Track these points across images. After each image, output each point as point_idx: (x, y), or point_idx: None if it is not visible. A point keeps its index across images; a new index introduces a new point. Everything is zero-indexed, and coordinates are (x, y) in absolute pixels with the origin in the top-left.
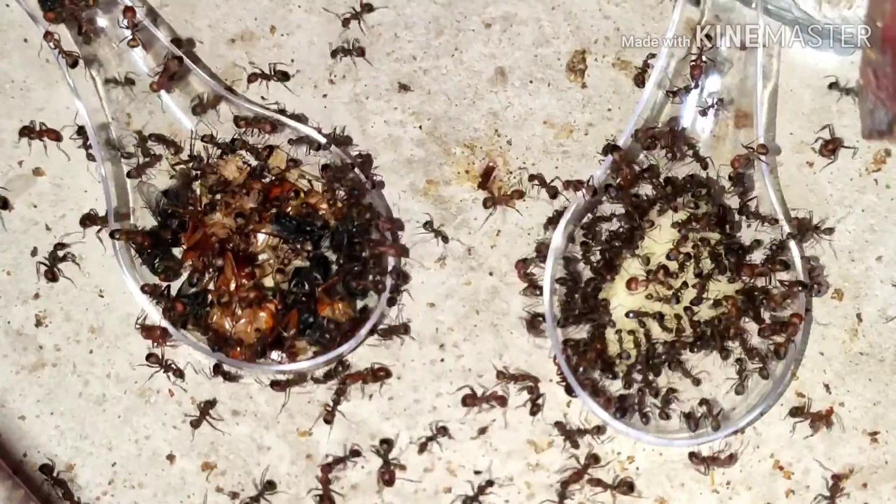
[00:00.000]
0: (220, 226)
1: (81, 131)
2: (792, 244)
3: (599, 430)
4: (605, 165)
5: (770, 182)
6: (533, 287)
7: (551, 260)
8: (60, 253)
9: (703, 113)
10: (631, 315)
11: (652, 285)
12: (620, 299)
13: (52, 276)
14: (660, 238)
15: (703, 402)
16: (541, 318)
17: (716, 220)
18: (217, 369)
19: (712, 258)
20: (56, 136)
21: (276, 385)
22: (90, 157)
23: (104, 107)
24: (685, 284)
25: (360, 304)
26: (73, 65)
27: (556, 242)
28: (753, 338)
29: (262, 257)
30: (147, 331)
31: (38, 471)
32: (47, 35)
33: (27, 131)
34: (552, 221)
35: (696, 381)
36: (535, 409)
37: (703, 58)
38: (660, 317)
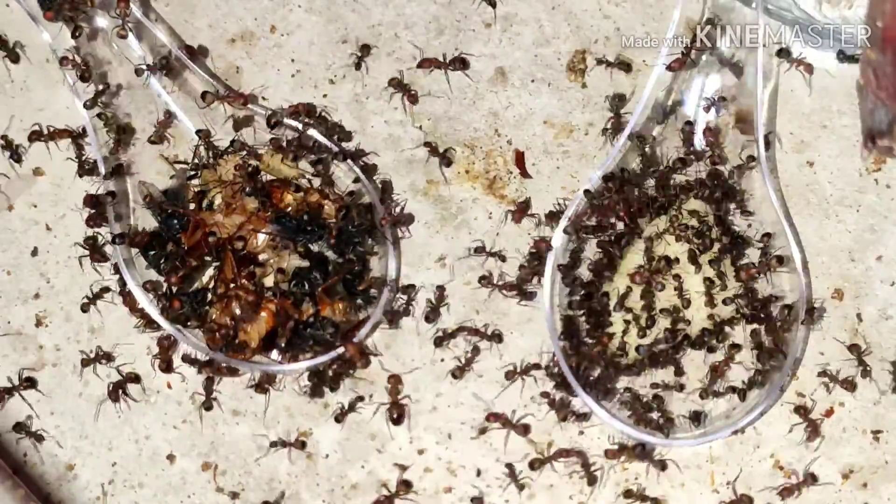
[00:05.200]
0: (220, 226)
1: (76, 140)
2: (792, 241)
3: (585, 416)
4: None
5: (770, 182)
6: (538, 253)
7: (552, 261)
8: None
9: (707, 109)
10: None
11: (655, 277)
12: (622, 288)
13: (115, 396)
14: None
15: (733, 388)
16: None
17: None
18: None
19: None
20: (69, 135)
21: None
22: (80, 172)
23: (104, 107)
24: (683, 292)
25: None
26: (87, 78)
27: (557, 242)
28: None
29: (262, 257)
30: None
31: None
32: (63, 60)
33: (36, 136)
34: (553, 217)
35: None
36: (592, 479)
37: (691, 56)
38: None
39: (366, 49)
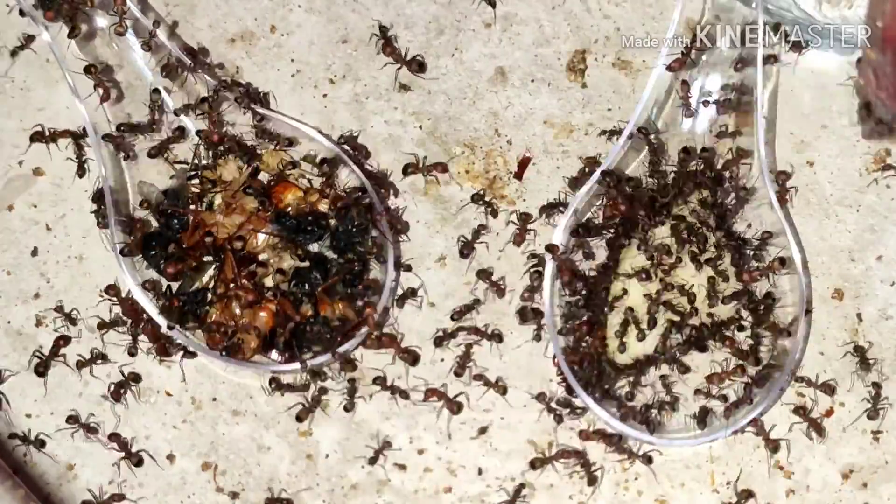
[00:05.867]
0: (220, 226)
1: (75, 137)
2: (792, 242)
3: (584, 411)
4: (616, 149)
5: (770, 182)
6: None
7: (551, 262)
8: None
9: (706, 104)
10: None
11: (658, 274)
12: (624, 286)
13: (117, 396)
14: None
15: (724, 397)
16: (533, 311)
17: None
18: (273, 382)
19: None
20: (72, 135)
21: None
22: (80, 172)
23: (104, 107)
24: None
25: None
26: (106, 97)
27: (558, 239)
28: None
29: (262, 257)
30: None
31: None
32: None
33: (38, 136)
34: (548, 209)
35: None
36: (592, 480)
37: (691, 56)
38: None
39: (384, 30)
